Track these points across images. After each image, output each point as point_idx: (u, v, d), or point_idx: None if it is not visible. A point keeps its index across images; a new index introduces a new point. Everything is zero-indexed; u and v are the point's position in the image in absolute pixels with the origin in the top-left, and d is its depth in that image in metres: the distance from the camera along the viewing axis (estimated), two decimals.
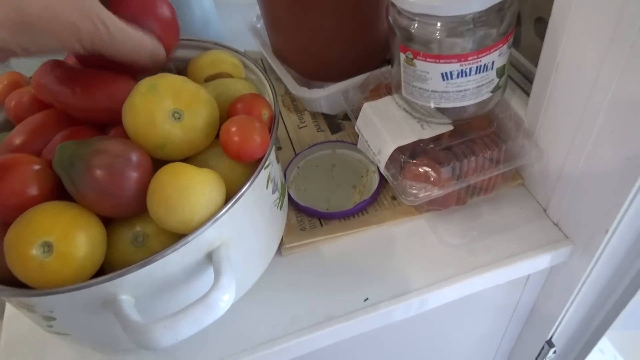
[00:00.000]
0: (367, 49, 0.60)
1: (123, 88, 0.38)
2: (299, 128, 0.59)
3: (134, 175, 0.32)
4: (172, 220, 0.32)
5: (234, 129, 0.35)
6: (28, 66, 0.48)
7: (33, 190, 0.32)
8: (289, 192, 0.50)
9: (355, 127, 0.50)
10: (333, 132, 0.58)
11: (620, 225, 0.40)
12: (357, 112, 0.52)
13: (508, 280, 0.46)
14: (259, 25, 0.69)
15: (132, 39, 0.34)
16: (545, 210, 0.47)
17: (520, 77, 0.53)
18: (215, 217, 0.32)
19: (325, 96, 0.56)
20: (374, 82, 0.54)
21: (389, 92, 0.51)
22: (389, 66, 0.57)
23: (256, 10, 0.68)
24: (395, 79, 0.48)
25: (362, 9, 0.55)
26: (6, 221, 0.32)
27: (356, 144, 0.54)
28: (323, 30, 0.56)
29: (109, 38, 0.32)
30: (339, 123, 0.59)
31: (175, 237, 0.33)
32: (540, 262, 0.45)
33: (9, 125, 0.44)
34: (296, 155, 0.54)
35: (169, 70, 0.47)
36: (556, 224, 0.46)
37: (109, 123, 0.40)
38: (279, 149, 0.57)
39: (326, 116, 0.60)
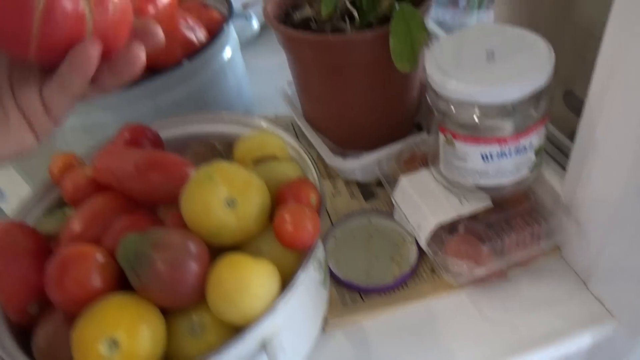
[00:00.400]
0: (398, 118, 0.61)
1: (180, 171, 0.39)
2: (333, 196, 0.60)
3: (194, 268, 0.33)
4: (232, 314, 0.32)
5: (286, 218, 0.36)
6: (76, 147, 0.50)
7: (97, 282, 0.33)
8: (329, 264, 0.50)
9: (393, 200, 0.51)
10: (366, 199, 0.59)
11: None
12: (391, 181, 0.53)
13: (550, 358, 0.45)
14: (290, 92, 0.71)
15: None
16: (586, 284, 0.47)
17: (552, 148, 0.54)
18: (272, 309, 0.33)
19: (361, 166, 0.57)
20: (408, 152, 0.56)
21: (424, 163, 0.52)
22: (423, 135, 0.58)
23: (286, 75, 0.70)
24: (432, 153, 0.49)
25: (393, 81, 0.56)
26: (71, 313, 0.33)
27: (392, 213, 0.55)
28: (356, 101, 0.58)
29: None
30: (372, 190, 0.61)
31: (231, 327, 0.34)
32: (582, 339, 0.45)
33: (62, 203, 0.46)
34: (333, 225, 0.55)
35: (214, 148, 0.49)
36: (598, 299, 0.46)
37: (164, 203, 0.42)
38: None
39: (359, 183, 0.62)
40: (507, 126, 0.41)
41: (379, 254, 0.52)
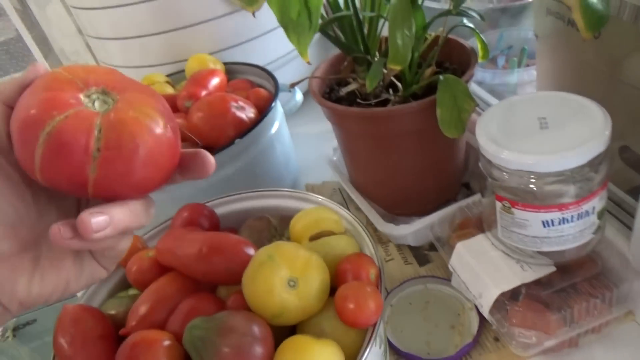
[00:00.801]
0: (447, 180, 0.61)
1: (240, 252, 0.41)
2: (386, 261, 0.60)
3: (259, 351, 0.33)
4: None
5: (348, 297, 0.36)
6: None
7: None
8: (387, 335, 0.49)
9: (450, 267, 0.51)
10: (421, 264, 0.59)
11: None
12: (445, 245, 0.52)
13: None
14: (335, 158, 0.73)
15: None
16: None
17: (612, 205, 0.52)
18: None
19: (413, 232, 0.57)
20: (461, 215, 0.55)
21: (479, 228, 0.51)
22: (474, 197, 0.58)
23: (330, 141, 0.72)
24: (487, 218, 0.48)
25: (439, 146, 0.57)
26: None
27: (448, 280, 0.54)
28: (403, 167, 0.58)
29: None
30: (425, 254, 0.60)
31: None
32: None
33: (126, 285, 0.48)
34: (388, 293, 0.54)
35: (269, 222, 0.50)
36: None
37: (226, 284, 0.42)
38: None
39: (412, 247, 0.61)
40: (567, 192, 0.41)
41: (439, 322, 0.51)
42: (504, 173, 0.42)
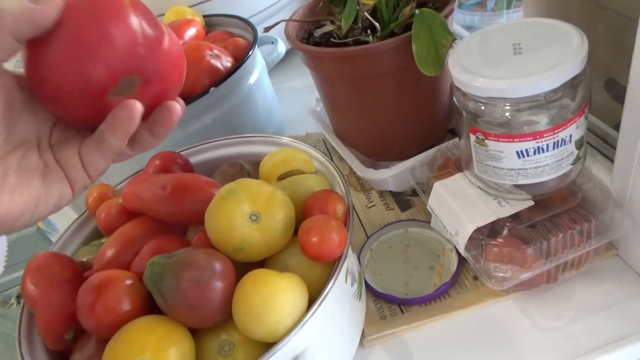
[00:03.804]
0: (429, 124, 0.60)
1: (206, 191, 0.40)
2: (368, 208, 0.59)
3: (219, 285, 0.33)
4: (258, 331, 0.31)
5: (311, 230, 0.35)
6: (114, 177, 0.52)
7: (126, 306, 0.33)
8: (365, 278, 0.49)
9: (428, 207, 0.49)
10: (402, 209, 0.58)
11: None
12: (426, 189, 0.51)
13: None
14: (318, 109, 0.71)
15: None
16: None
17: (597, 140, 0.50)
18: (302, 324, 0.32)
19: (393, 176, 0.56)
20: (441, 157, 0.54)
21: (458, 168, 0.50)
22: (455, 139, 0.56)
23: (314, 94, 0.71)
24: (465, 156, 0.47)
25: (420, 87, 0.55)
26: (103, 337, 0.33)
27: (429, 222, 0.53)
28: (384, 111, 0.56)
29: None
30: (407, 200, 0.59)
31: (260, 344, 0.33)
32: None
33: (99, 234, 0.47)
34: (368, 237, 0.54)
35: (242, 168, 0.49)
36: None
37: (194, 224, 0.42)
38: None
39: (394, 193, 0.60)
40: (541, 120, 0.39)
41: (418, 264, 0.50)
42: (479, 104, 0.40)
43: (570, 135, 0.40)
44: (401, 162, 0.57)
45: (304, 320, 0.32)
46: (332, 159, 0.43)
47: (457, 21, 0.86)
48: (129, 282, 0.34)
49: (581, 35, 0.39)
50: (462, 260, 0.48)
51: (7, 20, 0.24)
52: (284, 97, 0.80)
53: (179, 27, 0.69)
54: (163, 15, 0.80)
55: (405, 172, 0.56)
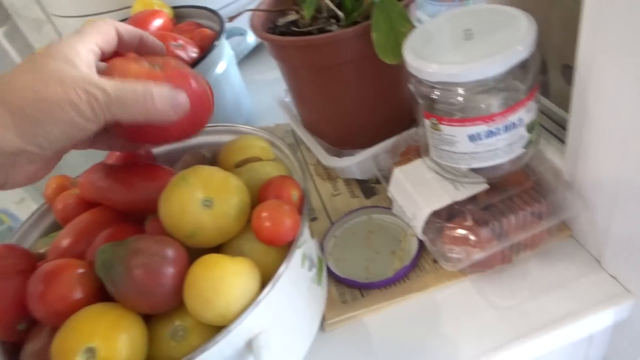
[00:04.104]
0: (394, 113, 0.60)
1: (160, 178, 0.40)
2: (333, 196, 0.59)
3: (170, 271, 0.33)
4: (208, 314, 0.32)
5: (264, 214, 0.35)
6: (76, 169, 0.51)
7: (78, 294, 0.33)
8: (327, 264, 0.49)
9: (388, 193, 0.50)
10: (367, 197, 0.58)
11: None
12: (388, 175, 0.51)
13: (567, 342, 0.42)
14: (287, 100, 0.71)
15: (134, 91, 0.31)
16: (599, 262, 0.44)
17: (553, 125, 0.51)
18: (252, 307, 0.32)
19: (357, 163, 0.56)
20: (404, 145, 0.54)
21: (419, 154, 0.51)
22: (418, 128, 0.57)
23: (284, 85, 0.71)
24: (422, 142, 0.47)
25: (383, 76, 0.55)
26: (54, 326, 0.33)
27: (391, 209, 0.53)
28: (348, 100, 0.57)
29: (107, 99, 0.30)
30: (372, 187, 0.59)
31: (215, 329, 0.33)
32: (601, 320, 0.42)
33: (58, 226, 0.47)
34: (332, 224, 0.54)
35: (203, 157, 0.49)
36: (613, 277, 0.43)
37: (149, 213, 0.42)
38: (314, 219, 0.57)
39: (359, 181, 0.60)
40: (493, 103, 0.40)
41: (380, 250, 0.51)
42: (433, 90, 0.41)
43: (521, 119, 0.41)
44: (365, 149, 0.57)
45: (255, 303, 0.33)
46: (300, 149, 0.43)
47: (426, 12, 0.86)
48: (80, 270, 0.34)
49: (530, 20, 0.40)
50: (422, 244, 0.49)
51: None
52: (255, 89, 0.80)
53: (144, 19, 0.68)
54: (130, 7, 0.79)
55: (369, 160, 0.56)
